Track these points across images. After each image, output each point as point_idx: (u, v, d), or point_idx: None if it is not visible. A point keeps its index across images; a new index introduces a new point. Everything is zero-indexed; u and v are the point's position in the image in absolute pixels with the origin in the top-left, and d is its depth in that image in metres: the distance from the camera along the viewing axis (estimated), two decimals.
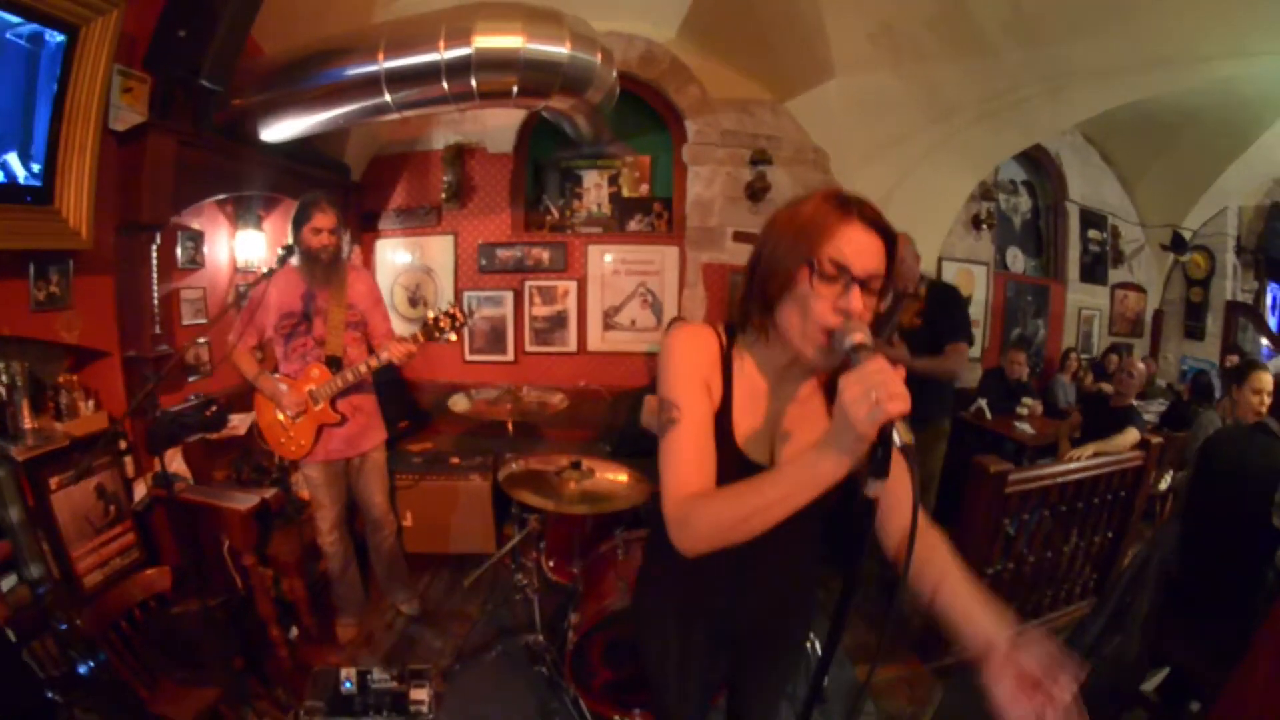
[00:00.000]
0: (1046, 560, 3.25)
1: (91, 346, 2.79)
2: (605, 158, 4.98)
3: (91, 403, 2.75)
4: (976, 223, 5.54)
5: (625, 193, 5.02)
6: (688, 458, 1.14)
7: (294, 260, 2.79)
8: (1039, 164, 5.97)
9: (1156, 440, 3.45)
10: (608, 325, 4.89)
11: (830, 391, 1.14)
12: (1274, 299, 6.42)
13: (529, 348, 4.88)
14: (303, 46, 3.37)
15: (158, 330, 3.03)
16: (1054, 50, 3.95)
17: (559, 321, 4.88)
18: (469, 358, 4.87)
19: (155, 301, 3.02)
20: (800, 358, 1.11)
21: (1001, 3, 3.69)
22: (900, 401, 0.85)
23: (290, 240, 2.78)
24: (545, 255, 4.82)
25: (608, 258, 4.84)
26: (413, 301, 4.86)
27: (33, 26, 2.26)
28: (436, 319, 2.68)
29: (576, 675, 2.49)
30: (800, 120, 4.81)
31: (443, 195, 4.68)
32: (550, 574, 3.03)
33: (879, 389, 0.85)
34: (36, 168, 2.39)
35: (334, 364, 2.81)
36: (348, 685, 2.20)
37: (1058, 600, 3.41)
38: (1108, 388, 4.57)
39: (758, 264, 1.14)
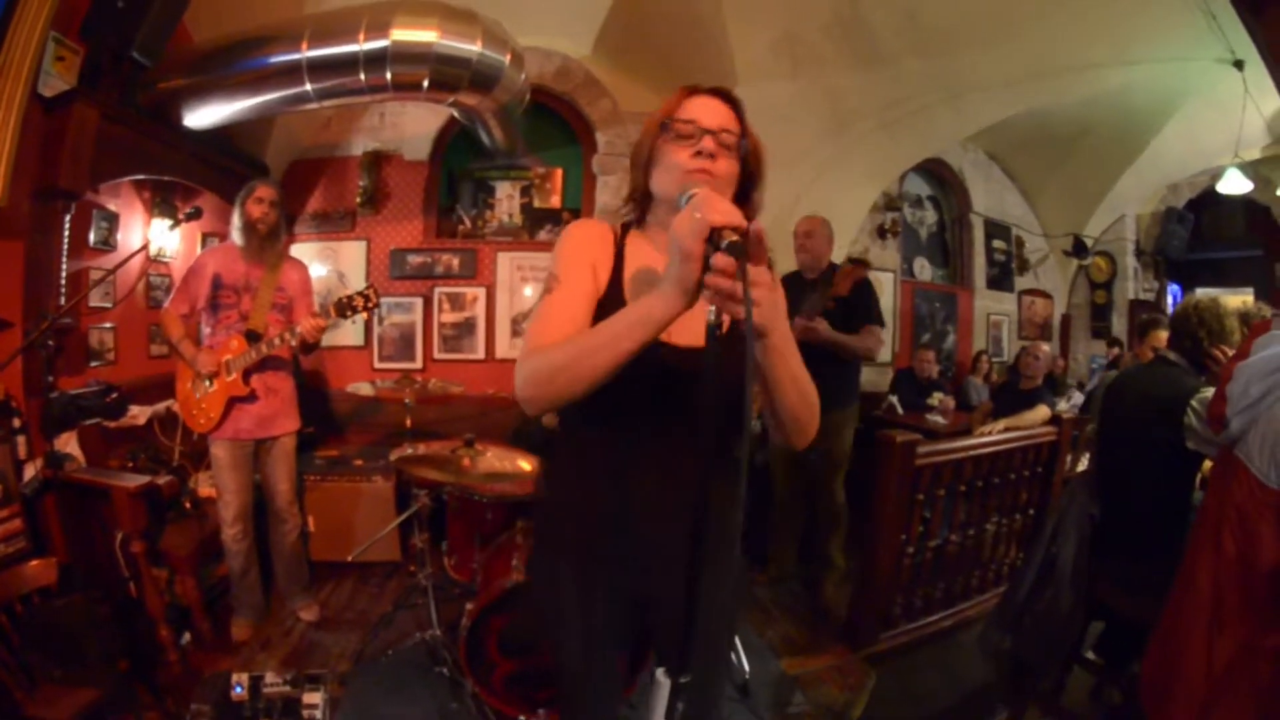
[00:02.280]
0: (969, 539, 3.24)
1: None
2: (518, 169, 5.05)
3: None
4: (881, 232, 5.75)
5: (537, 203, 5.08)
6: (551, 319, 1.12)
7: (234, 235, 2.90)
8: (943, 179, 6.27)
9: (1069, 416, 3.55)
10: (516, 332, 4.90)
11: None
12: (1174, 297, 6.82)
13: (438, 354, 4.84)
14: (231, 34, 3.45)
15: (63, 304, 2.93)
16: (950, 60, 4.23)
17: (468, 328, 4.87)
18: (377, 364, 4.79)
19: (64, 276, 2.95)
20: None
21: (897, 12, 3.94)
22: (721, 212, 0.84)
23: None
24: (455, 262, 4.84)
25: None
26: (324, 310, 4.73)
27: None
28: (350, 297, 2.74)
29: (474, 669, 2.37)
30: None
31: (358, 200, 4.69)
32: (452, 572, 2.94)
33: (700, 206, 0.85)
34: None
35: (253, 338, 2.84)
36: (238, 690, 2.15)
37: (985, 582, 3.39)
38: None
39: (633, 155, 1.22)
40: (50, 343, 2.50)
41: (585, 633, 1.31)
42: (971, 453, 3.13)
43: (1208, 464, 2.13)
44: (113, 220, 3.51)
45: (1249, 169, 4.81)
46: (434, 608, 2.84)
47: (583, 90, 4.87)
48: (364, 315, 2.80)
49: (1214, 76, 4.10)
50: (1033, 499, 3.46)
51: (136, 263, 3.62)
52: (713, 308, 0.87)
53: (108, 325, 3.46)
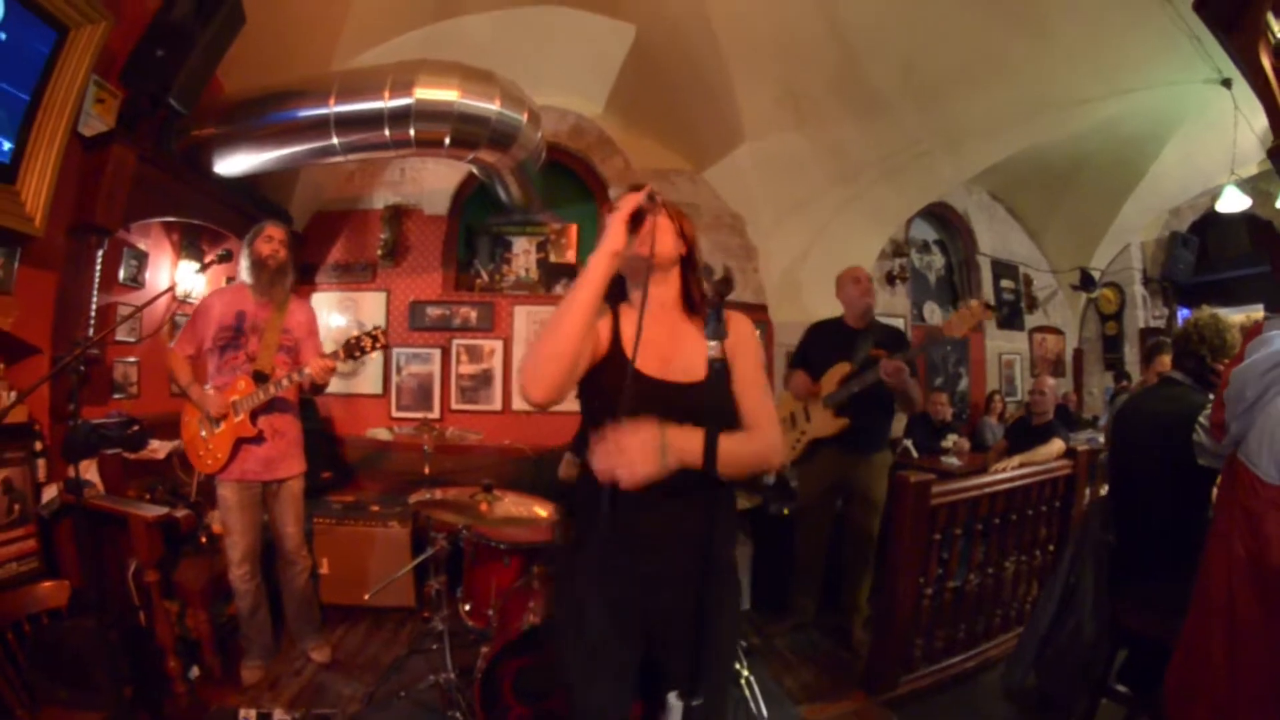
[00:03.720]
0: (989, 578, 3.19)
1: (24, 338, 2.76)
2: (534, 225, 5.20)
3: (14, 394, 2.67)
4: (890, 279, 5.81)
5: (553, 258, 5.20)
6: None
7: (242, 274, 2.94)
8: (948, 222, 6.36)
9: (1084, 447, 3.51)
10: None
11: (698, 325, 1.46)
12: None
13: (455, 405, 4.89)
14: (262, 86, 3.61)
15: (91, 335, 3.01)
16: (946, 106, 4.34)
17: (485, 380, 4.93)
18: (395, 413, 4.84)
19: (94, 309, 3.03)
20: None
21: (894, 63, 4.09)
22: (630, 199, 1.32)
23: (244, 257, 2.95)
24: (473, 314, 4.93)
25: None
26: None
27: (32, 18, 2.49)
28: (359, 338, 2.76)
29: (489, 714, 2.34)
30: (716, 188, 5.17)
31: (379, 252, 4.83)
32: (467, 619, 2.91)
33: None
34: (7, 146, 2.52)
35: (261, 379, 2.85)
36: None
37: (1008, 621, 3.32)
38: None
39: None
40: (82, 367, 2.53)
41: (597, 649, 1.40)
42: (987, 490, 3.10)
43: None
44: (142, 259, 3.62)
45: (1246, 185, 4.80)
46: (448, 652, 2.80)
47: (596, 148, 5.08)
48: (372, 355, 2.86)
49: (1204, 98, 4.15)
50: (1052, 534, 3.39)
51: (162, 303, 3.72)
52: (713, 344, 1.22)
53: (131, 360, 3.54)
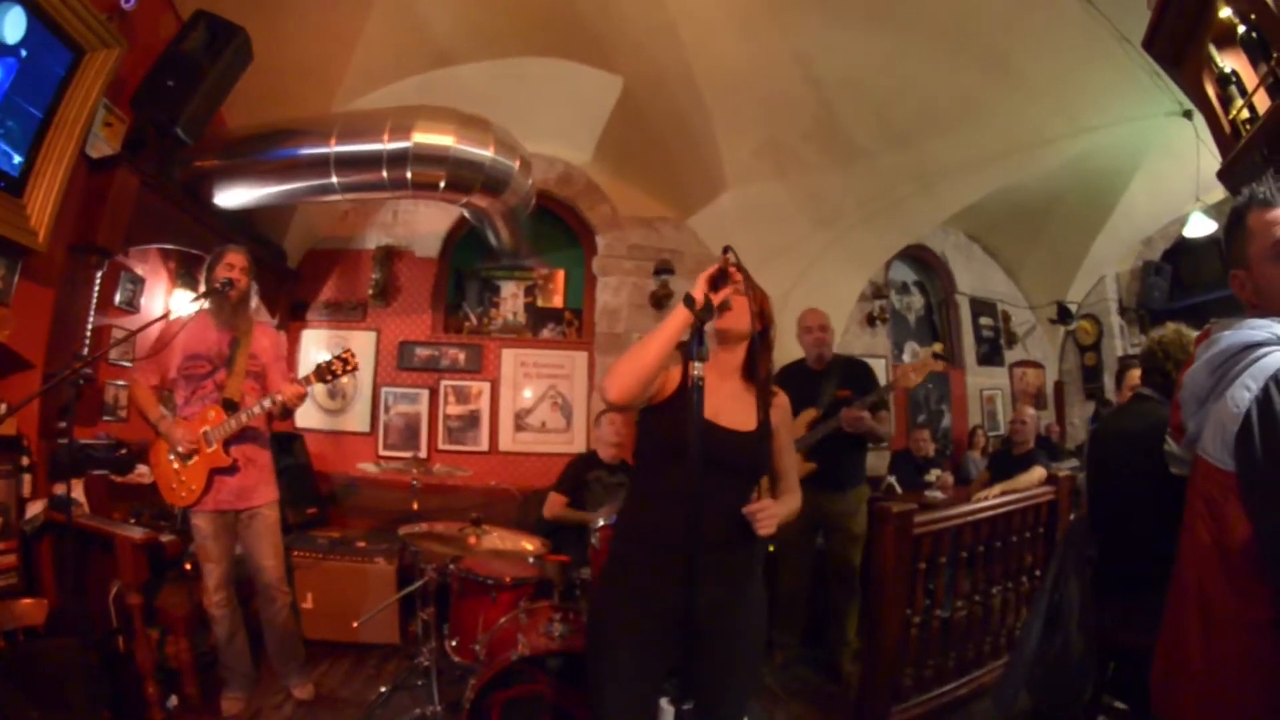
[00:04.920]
0: (976, 605, 3.19)
1: (18, 351, 2.75)
2: (523, 269, 5.32)
3: (4, 406, 2.65)
4: (871, 320, 5.95)
5: (540, 303, 5.32)
6: None
7: (205, 304, 2.91)
8: (927, 264, 6.52)
9: (1065, 474, 3.57)
10: (519, 426, 5.01)
11: (755, 394, 1.70)
12: None
13: (442, 445, 4.92)
14: (266, 123, 3.72)
15: (85, 354, 3.02)
16: (919, 151, 4.55)
17: (472, 421, 4.97)
18: (382, 451, 4.84)
19: (89, 329, 3.05)
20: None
21: (867, 113, 4.30)
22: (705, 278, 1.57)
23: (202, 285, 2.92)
24: (461, 356, 5.01)
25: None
26: (331, 394, 4.89)
27: (51, 39, 2.60)
28: (330, 362, 2.82)
29: None
30: (700, 234, 5.33)
31: (370, 292, 4.89)
32: (453, 654, 2.85)
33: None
34: (17, 159, 2.57)
35: (230, 407, 2.83)
36: None
37: (997, 647, 3.31)
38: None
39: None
40: (80, 381, 2.55)
41: (622, 670, 1.56)
42: (970, 518, 3.13)
43: None
44: (139, 284, 3.65)
45: (1212, 210, 4.91)
46: (435, 686, 2.76)
47: (584, 195, 5.23)
48: (343, 379, 2.92)
49: (1167, 130, 4.29)
50: (1036, 560, 3.40)
51: (157, 327, 3.63)
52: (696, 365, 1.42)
53: (122, 383, 3.49)
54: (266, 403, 2.78)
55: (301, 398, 2.84)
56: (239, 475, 2.85)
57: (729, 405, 1.65)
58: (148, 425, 2.87)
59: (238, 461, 2.83)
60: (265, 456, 3.00)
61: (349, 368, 2.85)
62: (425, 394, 4.92)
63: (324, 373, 2.80)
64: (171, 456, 2.82)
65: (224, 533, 2.86)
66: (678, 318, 1.52)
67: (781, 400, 1.76)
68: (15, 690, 2.09)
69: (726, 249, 1.59)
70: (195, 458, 2.79)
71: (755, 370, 1.71)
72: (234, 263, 2.92)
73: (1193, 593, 1.43)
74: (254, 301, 3.07)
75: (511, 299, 5.33)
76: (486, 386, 4.99)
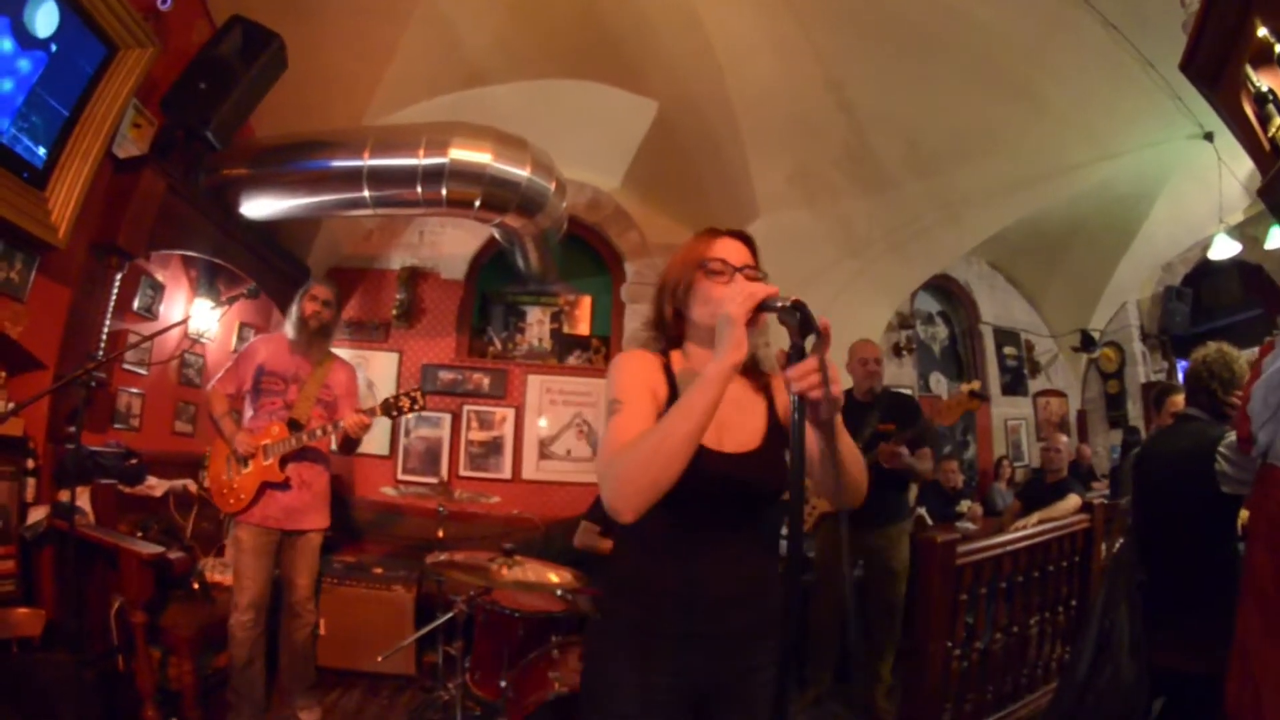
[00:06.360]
0: (1014, 637, 3.12)
1: (30, 350, 2.69)
2: (548, 295, 5.26)
3: (11, 404, 2.57)
4: (898, 350, 5.91)
5: (566, 330, 5.26)
6: (624, 433, 1.21)
7: (286, 328, 3.07)
8: (951, 294, 6.50)
9: (1099, 501, 3.52)
10: (543, 454, 4.89)
11: (756, 388, 1.43)
12: (1184, 373, 6.62)
13: (463, 471, 4.80)
14: (296, 133, 3.68)
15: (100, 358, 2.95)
16: (947, 179, 4.55)
17: (495, 448, 4.87)
18: (401, 475, 4.74)
19: (105, 332, 3.00)
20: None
21: (898, 141, 4.31)
22: (761, 288, 1.12)
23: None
24: (485, 381, 4.92)
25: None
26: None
27: (86, 33, 2.59)
28: (397, 397, 2.87)
29: None
30: None
31: (394, 313, 4.84)
32: (474, 688, 2.73)
33: (741, 292, 1.13)
34: (42, 151, 2.55)
35: (294, 426, 2.90)
36: None
37: (1035, 680, 3.24)
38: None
39: (664, 289, 1.45)
40: (92, 384, 2.50)
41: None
42: (1009, 548, 3.08)
43: (1245, 514, 2.12)
44: (159, 290, 3.58)
45: (1235, 231, 4.91)
46: None
47: (612, 222, 5.20)
48: (409, 415, 2.97)
49: (1189, 153, 4.31)
50: (1073, 590, 3.39)
51: (174, 338, 3.66)
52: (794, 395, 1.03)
53: (136, 391, 3.44)
54: (330, 428, 2.85)
55: (365, 428, 2.87)
56: (291, 494, 2.88)
57: (734, 419, 1.34)
58: (213, 426, 2.95)
59: (290, 480, 2.88)
60: (322, 483, 3.04)
61: (417, 406, 2.89)
62: (448, 418, 4.83)
63: (390, 407, 2.84)
64: (228, 462, 2.89)
65: (266, 552, 2.85)
66: (712, 395, 1.11)
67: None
68: (3, 704, 2.02)
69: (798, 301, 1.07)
70: (250, 466, 2.85)
71: (755, 363, 1.43)
72: (318, 295, 3.06)
73: (1275, 607, 1.37)
74: (335, 334, 3.19)
75: (537, 325, 5.27)
76: (511, 412, 4.89)
